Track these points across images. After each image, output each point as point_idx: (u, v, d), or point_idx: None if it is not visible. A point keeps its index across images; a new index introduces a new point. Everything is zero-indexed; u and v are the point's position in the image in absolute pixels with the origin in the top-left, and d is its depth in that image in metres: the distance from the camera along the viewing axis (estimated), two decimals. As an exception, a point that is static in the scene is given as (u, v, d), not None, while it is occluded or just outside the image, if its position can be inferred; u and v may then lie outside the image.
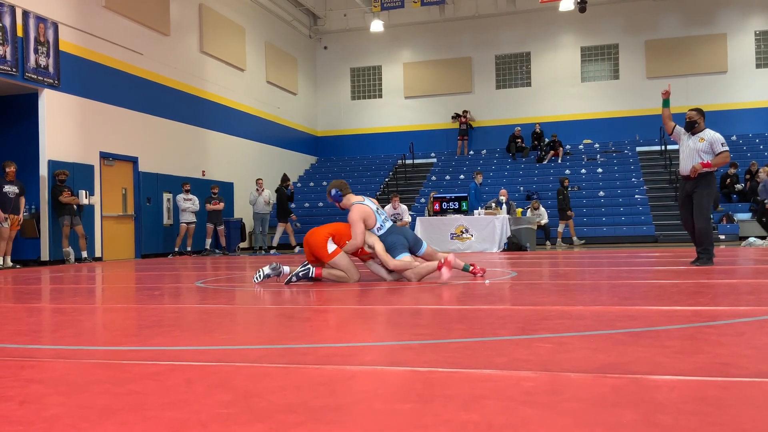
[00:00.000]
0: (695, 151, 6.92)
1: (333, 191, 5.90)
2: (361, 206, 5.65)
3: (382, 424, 1.57)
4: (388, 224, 5.75)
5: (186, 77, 16.37)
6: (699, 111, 7.13)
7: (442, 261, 5.48)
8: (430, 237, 13.31)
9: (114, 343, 2.95)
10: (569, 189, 15.78)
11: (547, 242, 15.58)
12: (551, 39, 22.48)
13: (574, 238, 15.39)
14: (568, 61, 22.40)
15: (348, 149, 24.27)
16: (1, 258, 10.71)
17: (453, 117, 22.90)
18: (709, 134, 6.96)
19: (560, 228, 15.69)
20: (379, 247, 5.53)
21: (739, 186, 17.40)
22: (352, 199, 5.81)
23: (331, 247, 5.52)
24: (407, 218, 14.44)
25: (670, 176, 18.35)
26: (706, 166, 6.83)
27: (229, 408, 1.74)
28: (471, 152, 22.87)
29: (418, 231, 13.47)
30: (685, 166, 7.02)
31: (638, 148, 21.09)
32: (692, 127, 7.04)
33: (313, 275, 5.58)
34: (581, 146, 21.91)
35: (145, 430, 1.56)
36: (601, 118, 22.02)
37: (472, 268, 5.98)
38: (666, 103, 7.29)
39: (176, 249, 14.89)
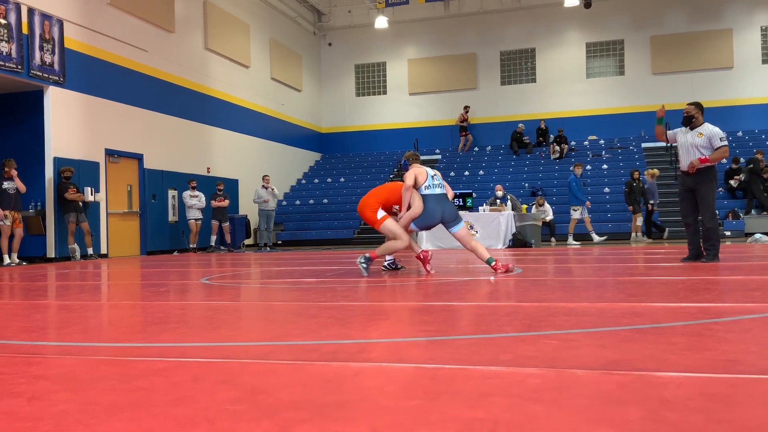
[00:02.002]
0: (694, 146, 6.84)
1: (403, 160, 6.87)
2: (416, 168, 6.19)
3: (389, 421, 1.57)
4: (438, 190, 6.14)
5: (191, 74, 16.39)
6: (697, 105, 7.03)
7: (423, 254, 6.19)
8: (434, 233, 13.29)
9: (120, 340, 2.96)
10: (636, 181, 14.92)
11: (552, 239, 15.54)
12: (556, 35, 22.41)
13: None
14: (574, 57, 22.34)
15: (352, 146, 24.27)
16: (7, 255, 10.75)
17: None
18: (708, 129, 6.86)
19: (638, 222, 14.91)
20: (409, 212, 6.05)
21: (732, 182, 17.36)
22: (414, 167, 6.29)
23: (380, 214, 6.08)
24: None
25: (675, 172, 18.27)
26: (704, 162, 6.75)
27: (235, 405, 1.74)
28: (476, 148, 22.82)
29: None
30: (684, 161, 6.94)
31: (643, 144, 21.02)
32: (689, 122, 6.96)
33: (370, 257, 6.09)
34: (586, 142, 21.85)
35: (152, 426, 1.57)
36: (607, 114, 21.94)
37: (494, 263, 6.06)
38: (660, 121, 7.34)
39: (192, 246, 14.96)
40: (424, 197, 6.08)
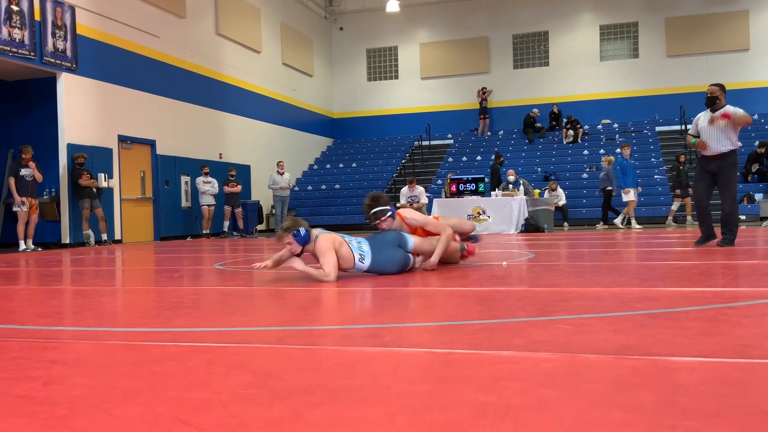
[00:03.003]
0: (719, 129, 6.71)
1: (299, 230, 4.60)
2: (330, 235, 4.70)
3: (401, 405, 1.58)
4: (365, 245, 4.75)
5: (202, 60, 16.38)
6: (720, 87, 6.89)
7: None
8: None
9: (135, 325, 2.98)
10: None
11: (565, 223, 15.48)
12: (569, 17, 22.17)
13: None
14: (587, 39, 22.10)
15: (364, 131, 24.21)
16: (23, 241, 10.86)
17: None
18: (731, 108, 6.76)
19: (674, 206, 14.73)
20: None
21: (755, 166, 17.17)
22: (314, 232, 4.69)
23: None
24: (424, 200, 14.41)
25: (690, 156, 18.13)
26: (726, 117, 6.61)
27: (249, 389, 1.75)
28: (488, 133, 22.70)
29: (435, 212, 13.44)
30: (710, 144, 6.76)
31: (658, 128, 20.82)
32: (713, 103, 6.79)
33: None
34: (600, 126, 21.67)
35: (166, 410, 1.58)
36: (621, 97, 21.73)
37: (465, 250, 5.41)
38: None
39: (206, 231, 15.06)
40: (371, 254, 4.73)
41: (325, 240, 4.55)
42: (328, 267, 4.43)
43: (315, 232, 4.65)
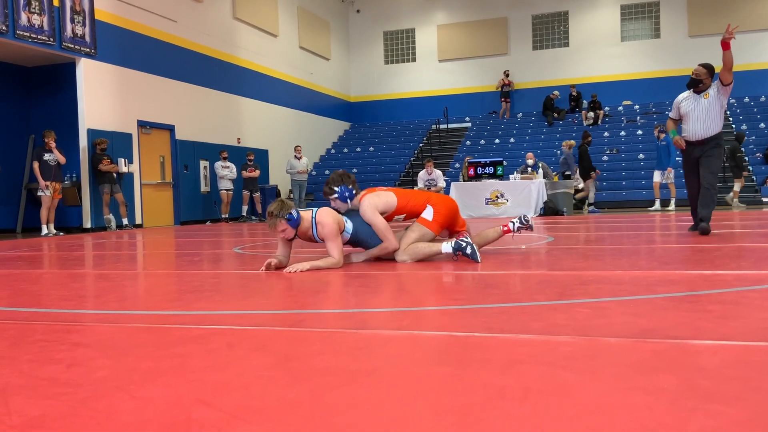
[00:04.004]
0: (705, 109, 6.14)
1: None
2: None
3: (420, 388, 1.58)
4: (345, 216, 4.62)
5: (219, 44, 16.40)
6: (709, 69, 6.25)
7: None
8: (464, 202, 13.24)
9: (157, 308, 3.02)
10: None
11: (584, 206, 15.36)
12: (589, -3, 21.86)
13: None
14: (608, 19, 21.78)
15: (382, 114, 24.14)
16: (45, 226, 11.01)
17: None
18: (714, 83, 6.18)
19: (736, 187, 14.50)
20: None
21: None
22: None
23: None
24: (441, 183, 14.37)
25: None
26: (726, 46, 5.83)
27: (269, 371, 1.77)
28: (507, 116, 22.52)
29: (453, 196, 13.39)
30: (696, 129, 6.18)
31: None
32: (696, 85, 6.24)
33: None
34: (621, 108, 21.42)
35: (189, 391, 1.60)
36: (642, 78, 21.44)
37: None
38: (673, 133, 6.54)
39: (225, 216, 15.17)
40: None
41: (331, 223, 4.29)
42: (338, 253, 4.29)
43: (305, 213, 4.37)
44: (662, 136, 14.07)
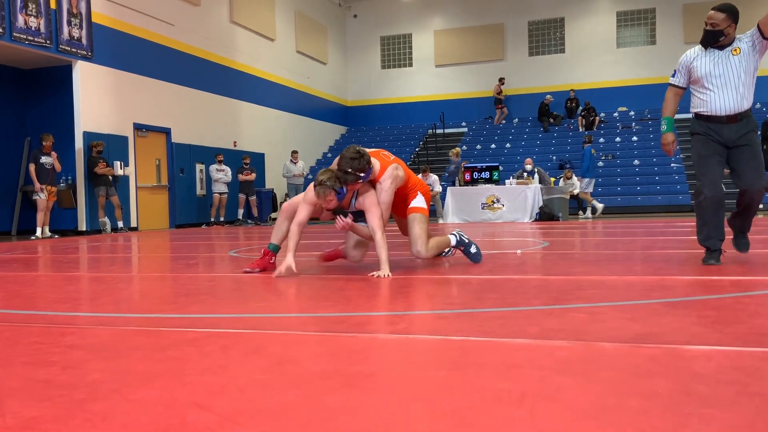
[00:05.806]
0: (736, 71, 4.29)
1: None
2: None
3: (416, 392, 1.58)
4: None
5: (216, 48, 16.40)
6: (728, 11, 4.35)
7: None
8: (460, 207, 13.26)
9: (152, 311, 3.01)
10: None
11: (580, 212, 15.39)
12: (586, 4, 21.93)
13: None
14: (604, 26, 21.86)
15: (378, 119, 24.16)
16: (40, 228, 10.97)
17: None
18: (745, 36, 4.40)
19: None
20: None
21: None
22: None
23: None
24: (438, 188, 14.38)
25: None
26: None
27: (265, 374, 1.77)
28: (503, 121, 22.56)
29: (449, 201, 13.42)
30: (725, 100, 4.31)
31: (675, 116, 20.58)
32: (716, 39, 4.31)
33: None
34: (616, 114, 21.48)
35: (184, 394, 1.60)
36: (637, 84, 21.49)
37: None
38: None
39: (211, 219, 15.15)
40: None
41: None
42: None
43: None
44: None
